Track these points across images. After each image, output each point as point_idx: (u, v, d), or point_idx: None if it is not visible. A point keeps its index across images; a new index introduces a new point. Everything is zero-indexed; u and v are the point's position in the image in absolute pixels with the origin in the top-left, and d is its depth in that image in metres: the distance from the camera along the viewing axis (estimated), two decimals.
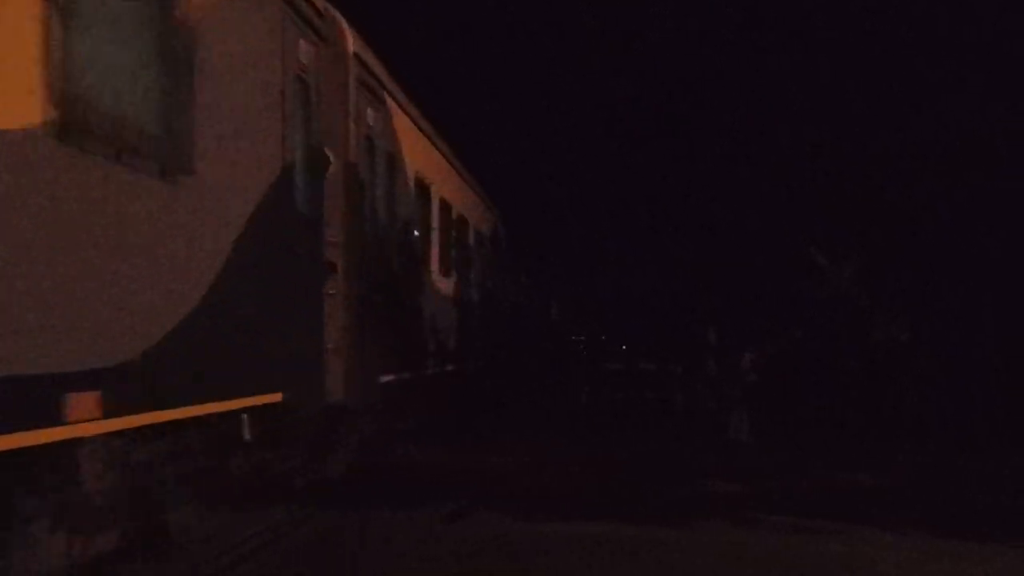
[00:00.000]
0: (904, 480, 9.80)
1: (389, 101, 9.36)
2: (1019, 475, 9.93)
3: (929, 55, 13.72)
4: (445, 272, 12.46)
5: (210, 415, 5.04)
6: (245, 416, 5.58)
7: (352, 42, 7.92)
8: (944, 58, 13.56)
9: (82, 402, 3.75)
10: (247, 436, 5.60)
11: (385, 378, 8.85)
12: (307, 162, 6.85)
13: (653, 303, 26.62)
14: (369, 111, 8.54)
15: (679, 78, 21.36)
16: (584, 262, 30.47)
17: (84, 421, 3.78)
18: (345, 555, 6.30)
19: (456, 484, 8.97)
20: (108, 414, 3.94)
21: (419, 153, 10.81)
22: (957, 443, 11.99)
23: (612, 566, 6.13)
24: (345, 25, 7.87)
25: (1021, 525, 7.44)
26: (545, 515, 7.58)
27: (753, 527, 7.29)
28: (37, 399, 3.50)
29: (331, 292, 7.25)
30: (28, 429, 3.44)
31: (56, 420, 3.59)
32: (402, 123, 9.98)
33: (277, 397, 5.93)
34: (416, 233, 10.74)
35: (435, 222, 11.79)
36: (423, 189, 11.11)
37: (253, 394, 5.57)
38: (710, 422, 14.23)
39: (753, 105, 18.44)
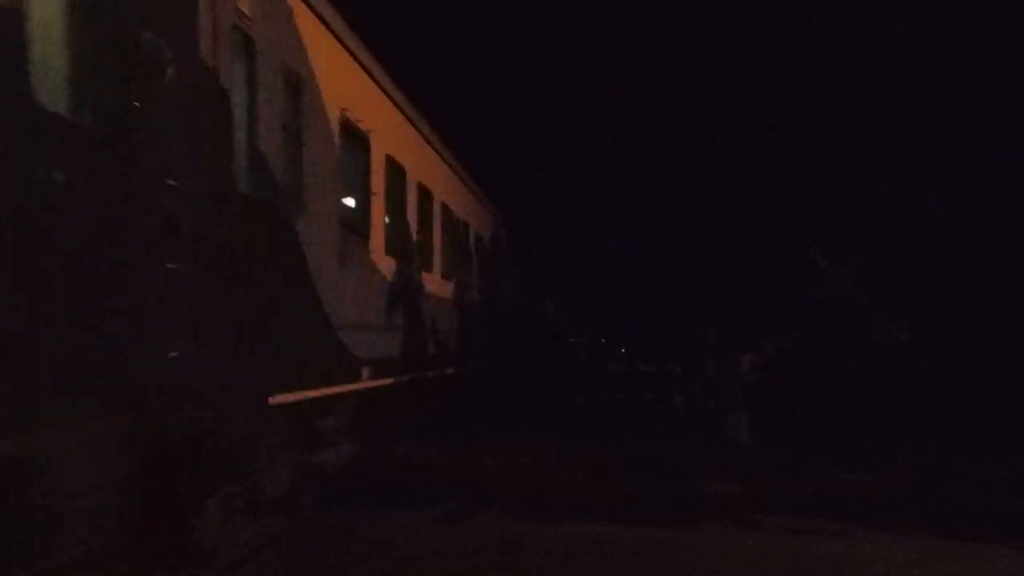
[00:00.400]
0: (904, 481, 9.78)
1: None
2: (1019, 476, 9.92)
3: (923, 46, 13.72)
4: (397, 254, 9.64)
5: None
6: None
7: None
8: (937, 48, 13.55)
9: None
10: None
11: (286, 398, 6.28)
12: (88, 38, 4.15)
13: (652, 304, 26.63)
14: None
15: (675, 73, 21.38)
16: (584, 262, 30.50)
17: None
18: (344, 557, 6.29)
19: (455, 485, 8.96)
20: None
21: (348, 86, 8.02)
22: (957, 443, 11.98)
23: (612, 567, 6.12)
24: None
25: (1021, 526, 7.43)
26: (544, 516, 7.57)
27: (752, 528, 7.27)
28: None
29: (171, 266, 4.68)
30: None
31: None
32: (315, 33, 7.04)
33: None
34: (347, 197, 8.08)
35: (379, 186, 8.91)
36: (355, 137, 8.20)
37: None
38: (709, 423, 14.22)
39: (749, 99, 18.45)
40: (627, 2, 22.22)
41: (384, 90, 9.35)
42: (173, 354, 4.68)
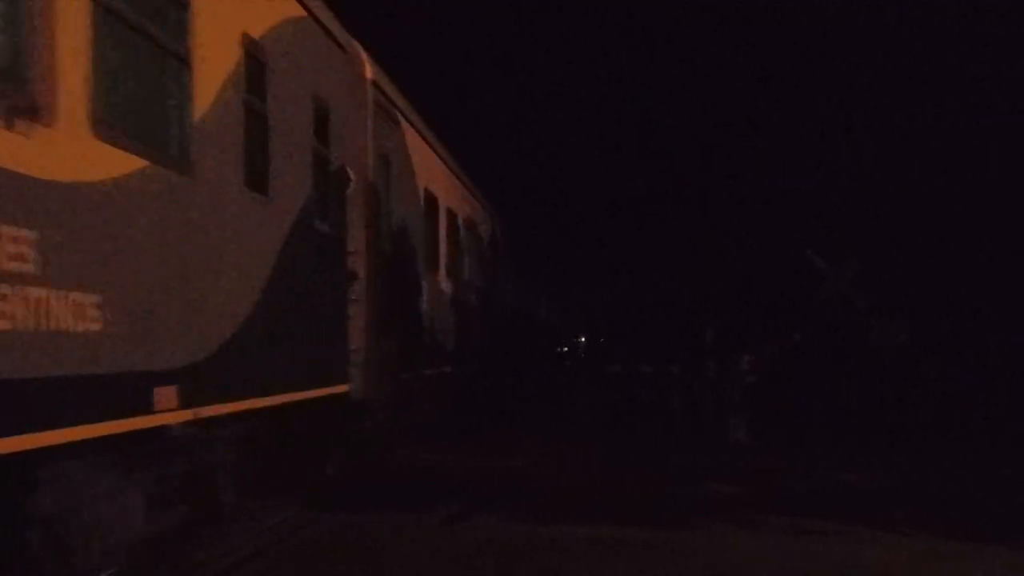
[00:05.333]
0: (903, 480, 9.80)
1: None
2: (1019, 476, 9.94)
3: (920, 47, 13.77)
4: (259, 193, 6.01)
5: None
6: None
7: None
8: (935, 49, 13.59)
9: None
10: None
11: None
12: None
13: (652, 303, 26.64)
14: None
15: (676, 76, 21.45)
16: (583, 262, 30.51)
17: None
18: (347, 557, 6.30)
19: (456, 486, 8.98)
20: None
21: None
22: (956, 443, 12.00)
23: (613, 568, 6.13)
24: None
25: (1020, 526, 7.45)
26: (545, 517, 7.57)
27: (753, 528, 7.29)
28: None
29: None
30: None
31: None
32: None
33: None
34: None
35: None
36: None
37: None
38: (709, 423, 14.23)
39: (749, 100, 18.49)
40: (629, 7, 22.28)
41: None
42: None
